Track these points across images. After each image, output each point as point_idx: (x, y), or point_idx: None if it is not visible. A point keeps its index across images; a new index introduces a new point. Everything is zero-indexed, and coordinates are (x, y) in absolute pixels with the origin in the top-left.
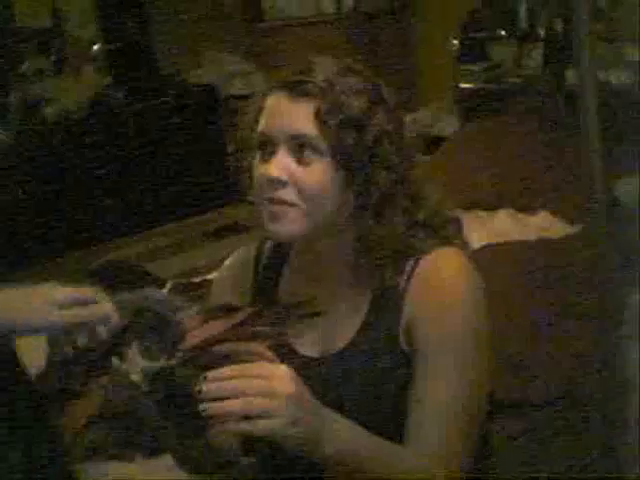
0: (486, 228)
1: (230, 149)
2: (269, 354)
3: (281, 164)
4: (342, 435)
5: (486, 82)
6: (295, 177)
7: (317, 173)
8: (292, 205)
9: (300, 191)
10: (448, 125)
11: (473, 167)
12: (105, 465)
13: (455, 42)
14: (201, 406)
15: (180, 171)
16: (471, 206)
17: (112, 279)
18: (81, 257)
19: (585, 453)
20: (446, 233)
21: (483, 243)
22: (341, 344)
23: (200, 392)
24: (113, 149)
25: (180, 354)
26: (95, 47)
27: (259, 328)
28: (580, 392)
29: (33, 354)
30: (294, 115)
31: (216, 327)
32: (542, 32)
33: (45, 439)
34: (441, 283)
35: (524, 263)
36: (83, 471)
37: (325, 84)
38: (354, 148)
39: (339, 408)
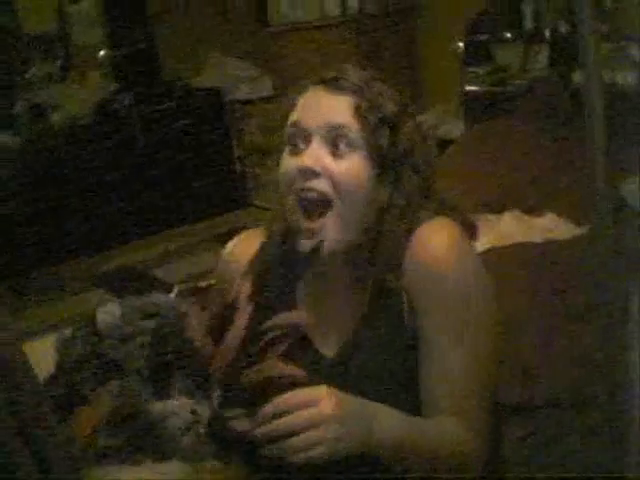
0: (492, 230)
1: (237, 154)
2: (301, 373)
3: (315, 155)
4: (388, 426)
5: (492, 84)
6: (329, 169)
7: (352, 167)
8: (326, 202)
9: (334, 184)
10: (454, 128)
11: (479, 169)
12: (115, 470)
13: (460, 45)
14: (264, 451)
15: (186, 176)
16: (477, 208)
17: (119, 284)
18: (88, 263)
19: (590, 455)
20: (443, 208)
21: (489, 245)
22: (349, 334)
23: (257, 436)
24: (119, 154)
25: (216, 388)
26: (101, 53)
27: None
28: (586, 394)
29: (42, 359)
30: (333, 107)
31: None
32: (547, 34)
33: (53, 445)
34: (431, 253)
35: (530, 265)
36: (93, 476)
37: (361, 83)
38: (388, 147)
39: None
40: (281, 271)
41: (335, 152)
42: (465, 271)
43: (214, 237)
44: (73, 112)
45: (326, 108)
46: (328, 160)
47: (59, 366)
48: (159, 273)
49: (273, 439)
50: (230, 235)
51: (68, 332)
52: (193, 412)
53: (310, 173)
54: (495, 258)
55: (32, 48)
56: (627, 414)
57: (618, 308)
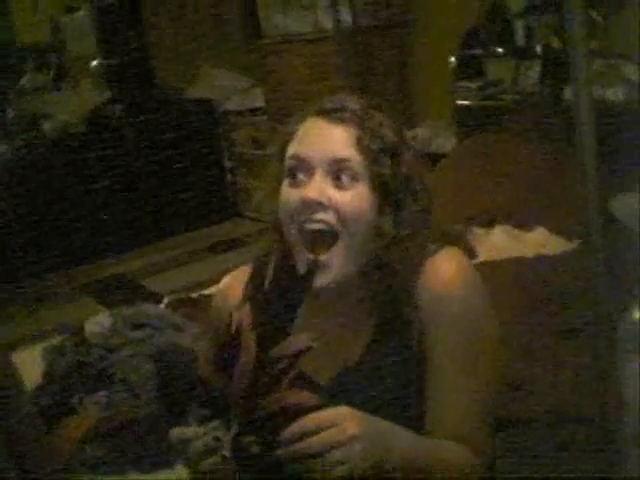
0: (483, 245)
1: (227, 165)
2: (314, 397)
3: (319, 187)
4: (403, 444)
5: (483, 99)
6: (334, 200)
7: (356, 197)
8: (333, 233)
9: (339, 216)
10: (446, 142)
11: (470, 183)
12: None
13: (452, 59)
14: (288, 471)
15: (178, 186)
16: (468, 222)
17: (109, 294)
18: (79, 272)
19: (582, 469)
20: (448, 238)
21: (479, 260)
22: (348, 361)
23: (283, 457)
24: (111, 164)
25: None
26: (94, 63)
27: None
28: (577, 409)
29: (30, 367)
30: (335, 139)
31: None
32: (539, 49)
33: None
34: (444, 284)
35: (520, 279)
36: None
37: (362, 113)
38: (390, 176)
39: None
40: (281, 298)
41: (338, 184)
42: (476, 300)
43: (204, 248)
44: (65, 121)
45: (328, 140)
46: (332, 192)
47: (47, 375)
48: (149, 283)
49: (298, 460)
50: (220, 246)
51: (56, 341)
52: (216, 439)
53: (315, 205)
54: (485, 272)
55: (25, 58)
56: (619, 429)
57: (608, 322)
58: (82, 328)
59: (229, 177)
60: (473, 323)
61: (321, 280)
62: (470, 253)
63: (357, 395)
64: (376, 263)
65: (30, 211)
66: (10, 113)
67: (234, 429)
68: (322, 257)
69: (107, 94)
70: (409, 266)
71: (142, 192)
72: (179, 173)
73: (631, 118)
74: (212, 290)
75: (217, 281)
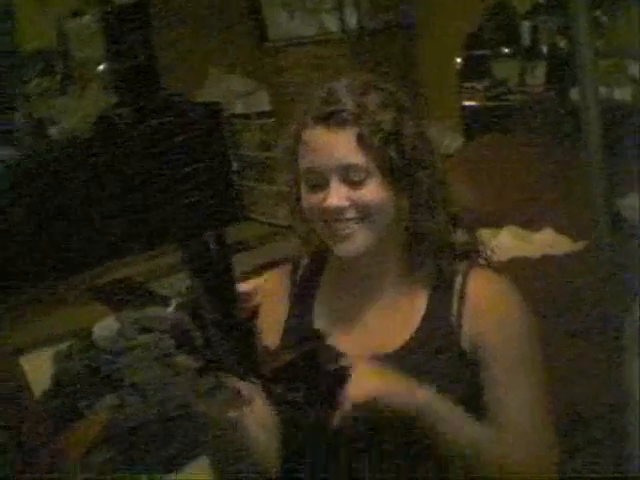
0: (490, 245)
1: (234, 167)
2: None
3: (338, 193)
4: (429, 396)
5: (489, 100)
6: (354, 200)
7: (373, 191)
8: (357, 222)
9: (361, 210)
10: (453, 142)
11: (477, 184)
12: None
13: (458, 60)
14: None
15: (184, 189)
16: (475, 223)
17: (117, 298)
18: (86, 276)
19: (592, 469)
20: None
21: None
22: (398, 343)
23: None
24: (118, 168)
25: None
26: (100, 67)
27: None
28: (585, 409)
29: (39, 372)
30: (338, 147)
31: None
32: (545, 49)
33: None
34: (497, 299)
35: (528, 280)
36: None
37: (358, 109)
38: (397, 159)
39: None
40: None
41: (353, 184)
42: (525, 318)
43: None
44: (72, 126)
45: (333, 149)
46: (350, 193)
47: (55, 379)
48: (156, 287)
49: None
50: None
51: (65, 346)
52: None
53: (338, 210)
54: None
55: (32, 63)
56: (626, 427)
57: (616, 323)
58: (90, 332)
59: (236, 180)
60: (526, 342)
61: (347, 250)
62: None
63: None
64: (414, 238)
65: (38, 216)
66: (17, 118)
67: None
68: (352, 247)
69: (113, 98)
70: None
71: (149, 195)
72: (186, 176)
73: (638, 117)
74: (245, 286)
75: None
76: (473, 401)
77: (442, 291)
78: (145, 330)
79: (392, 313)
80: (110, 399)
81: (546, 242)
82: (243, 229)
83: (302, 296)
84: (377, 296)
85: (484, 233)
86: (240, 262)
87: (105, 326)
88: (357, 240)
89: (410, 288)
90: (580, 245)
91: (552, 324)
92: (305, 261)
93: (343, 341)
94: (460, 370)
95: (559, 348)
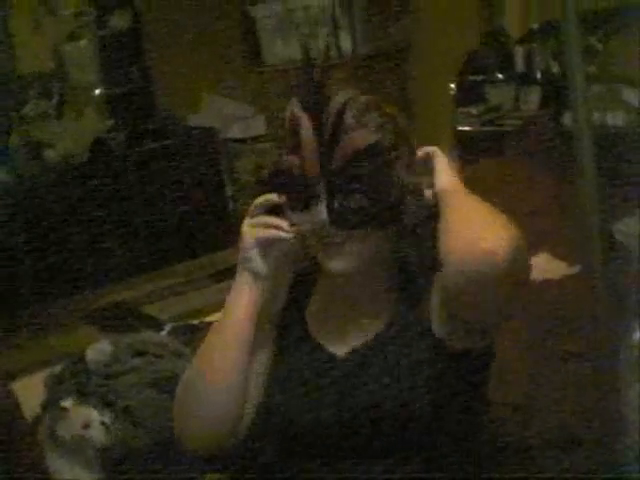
0: None
1: (229, 192)
2: None
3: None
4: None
5: (484, 125)
6: None
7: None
8: (345, 239)
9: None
10: None
11: None
12: None
13: (452, 85)
14: None
15: (180, 214)
16: None
17: (111, 322)
18: (81, 300)
19: None
20: None
21: None
22: (370, 336)
23: None
24: (113, 192)
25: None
26: (96, 91)
27: None
28: (580, 433)
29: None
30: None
31: None
32: (539, 74)
33: None
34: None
35: (525, 304)
36: None
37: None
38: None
39: (375, 401)
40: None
41: None
42: None
43: (206, 275)
44: (68, 149)
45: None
46: None
47: (47, 403)
48: (151, 311)
49: None
50: (222, 273)
51: (57, 370)
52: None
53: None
54: None
55: (28, 86)
56: (623, 452)
57: (611, 346)
58: (83, 356)
59: (231, 205)
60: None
61: (334, 267)
62: None
63: (372, 370)
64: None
65: (32, 239)
66: (12, 141)
67: (323, 197)
68: (339, 266)
69: (109, 122)
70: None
71: (144, 219)
72: (182, 201)
73: (631, 142)
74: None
75: (219, 308)
76: (447, 389)
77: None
78: (139, 354)
79: (365, 310)
80: (102, 423)
81: (542, 266)
82: (237, 254)
83: (298, 287)
84: (365, 311)
85: None
86: None
87: (98, 349)
88: (344, 258)
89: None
90: (575, 269)
91: (548, 347)
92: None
93: (327, 340)
94: (433, 357)
95: (555, 370)
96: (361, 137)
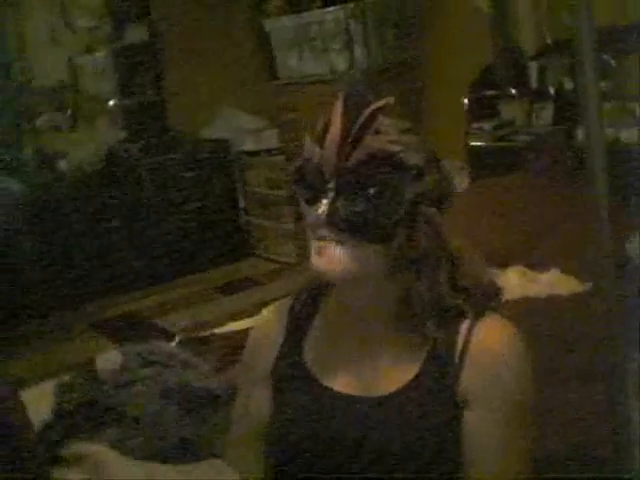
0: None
1: (241, 204)
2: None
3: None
4: None
5: (496, 140)
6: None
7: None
8: (338, 242)
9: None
10: (460, 183)
11: (483, 224)
12: None
13: (465, 100)
14: None
15: (191, 226)
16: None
17: (121, 332)
18: (92, 310)
19: None
20: (490, 301)
21: None
22: (393, 388)
23: None
24: (126, 203)
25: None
26: (110, 103)
27: None
28: (588, 451)
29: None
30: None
31: None
32: (552, 90)
33: None
34: (499, 351)
35: (533, 321)
36: None
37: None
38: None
39: (382, 449)
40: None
41: None
42: (524, 373)
43: (217, 287)
44: (81, 160)
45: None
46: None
47: (55, 412)
48: (161, 322)
49: None
50: (234, 285)
51: (67, 378)
52: None
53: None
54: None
55: (43, 98)
56: (631, 472)
57: (621, 365)
58: (93, 364)
59: (244, 217)
60: (518, 396)
61: (317, 264)
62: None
63: (396, 420)
64: (406, 296)
65: (44, 249)
66: (26, 152)
67: (331, 195)
68: (326, 265)
69: (123, 134)
70: (449, 320)
71: (156, 231)
72: (194, 212)
73: None
74: (249, 322)
75: (228, 320)
76: (454, 445)
77: (444, 339)
78: (148, 363)
79: (389, 358)
80: (110, 433)
81: (552, 282)
82: (249, 266)
83: (295, 331)
84: (372, 340)
85: (491, 272)
86: (246, 299)
87: (108, 358)
88: (331, 259)
89: (410, 335)
90: (586, 286)
91: (556, 364)
92: (303, 296)
93: (332, 380)
94: (450, 415)
95: (563, 389)
96: (380, 143)
